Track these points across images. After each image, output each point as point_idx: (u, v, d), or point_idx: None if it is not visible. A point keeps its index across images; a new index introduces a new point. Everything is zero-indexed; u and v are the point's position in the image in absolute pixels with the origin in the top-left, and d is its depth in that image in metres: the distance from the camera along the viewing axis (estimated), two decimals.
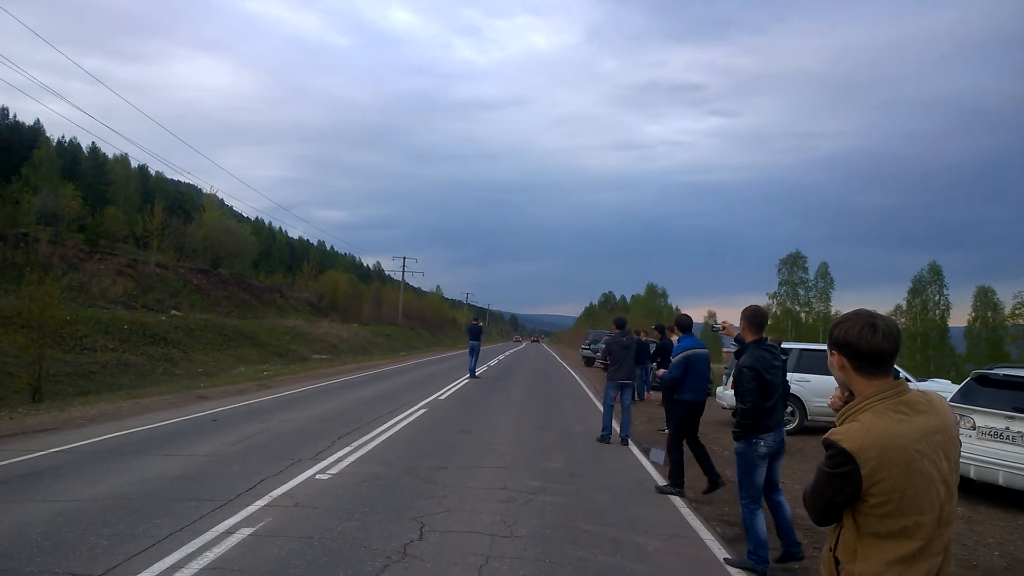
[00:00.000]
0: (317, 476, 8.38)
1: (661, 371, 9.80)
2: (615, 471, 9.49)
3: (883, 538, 2.26)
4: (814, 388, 13.97)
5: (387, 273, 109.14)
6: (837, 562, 2.38)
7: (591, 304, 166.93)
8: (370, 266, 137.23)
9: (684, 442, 8.81)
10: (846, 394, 2.48)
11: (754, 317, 6.24)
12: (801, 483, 9.77)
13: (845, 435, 2.28)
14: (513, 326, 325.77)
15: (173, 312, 34.93)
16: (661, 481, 9.01)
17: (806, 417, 14.31)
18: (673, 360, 8.99)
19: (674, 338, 9.70)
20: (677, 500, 8.17)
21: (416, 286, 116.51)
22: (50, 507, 6.66)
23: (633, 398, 13.57)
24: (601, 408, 17.33)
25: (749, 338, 6.22)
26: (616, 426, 12.46)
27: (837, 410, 2.48)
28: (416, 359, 41.15)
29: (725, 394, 15.17)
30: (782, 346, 13.03)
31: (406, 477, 8.56)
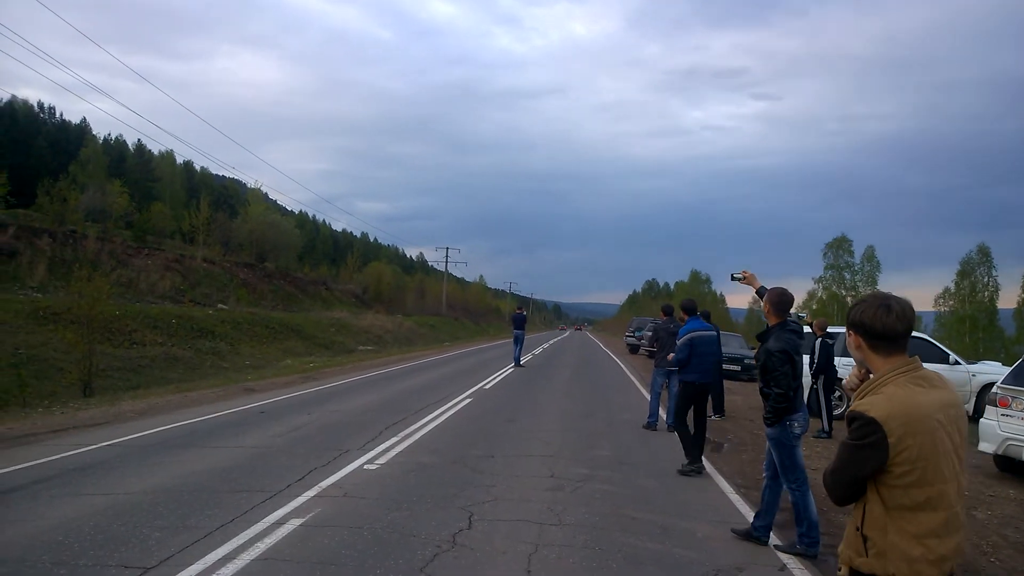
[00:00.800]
0: (365, 466, 8.36)
1: (671, 355, 10.23)
2: (663, 458, 9.32)
3: (912, 510, 2.32)
4: None
5: (430, 264, 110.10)
6: (865, 539, 2.40)
7: (634, 291, 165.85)
8: (413, 257, 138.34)
9: (692, 420, 8.85)
10: (863, 372, 2.58)
11: (779, 301, 6.11)
12: None
13: (871, 406, 2.36)
14: (556, 314, 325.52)
15: (220, 306, 35.46)
16: (711, 468, 8.83)
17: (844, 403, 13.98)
18: (678, 342, 9.20)
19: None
20: (725, 486, 8.02)
21: (459, 276, 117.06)
22: (101, 500, 6.72)
23: None
24: (647, 395, 17.23)
25: (773, 321, 6.09)
26: (663, 413, 12.28)
27: (854, 389, 2.59)
28: (460, 349, 41.23)
29: None
30: (828, 331, 12.70)
31: (454, 466, 8.51)
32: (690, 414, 8.87)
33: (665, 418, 11.93)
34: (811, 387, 13.36)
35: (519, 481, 7.83)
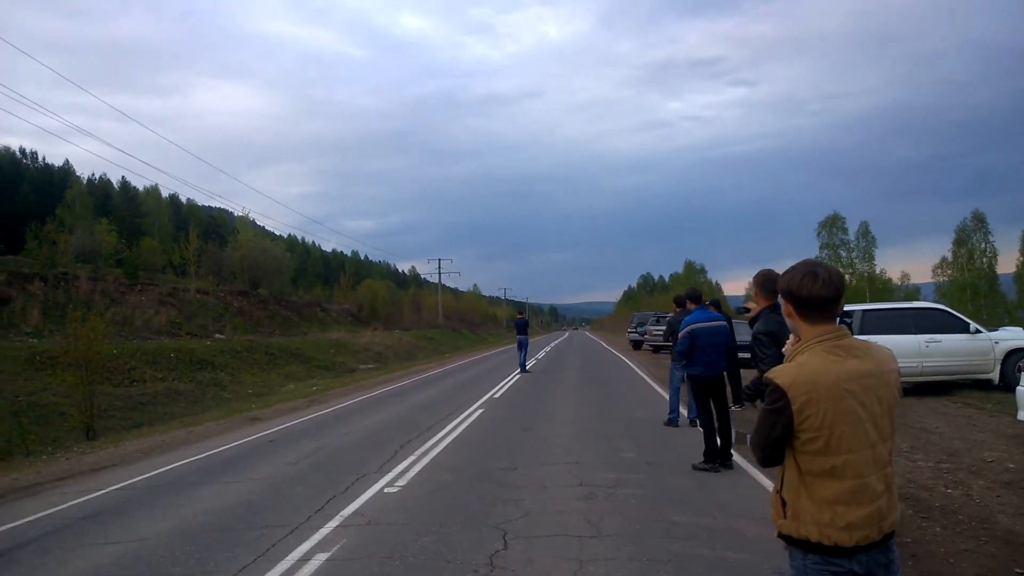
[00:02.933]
0: (385, 490, 8.03)
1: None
2: (690, 455, 8.95)
3: (820, 477, 2.38)
4: None
5: (423, 277, 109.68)
6: (784, 503, 2.48)
7: (629, 287, 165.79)
8: (405, 271, 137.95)
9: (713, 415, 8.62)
10: (796, 340, 2.60)
11: (765, 282, 5.87)
12: None
13: (779, 372, 2.45)
14: (553, 317, 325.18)
15: (217, 336, 35.04)
16: (744, 463, 8.53)
17: None
18: (680, 334, 8.93)
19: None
20: (762, 479, 7.66)
21: (453, 286, 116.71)
22: (115, 550, 6.39)
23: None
24: (660, 391, 16.96)
25: (762, 303, 5.87)
26: (683, 409, 11.99)
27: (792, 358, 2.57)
28: (462, 359, 40.87)
29: None
30: (844, 308, 12.43)
31: (477, 482, 8.19)
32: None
33: (687, 413, 11.63)
34: None
35: (548, 492, 7.51)
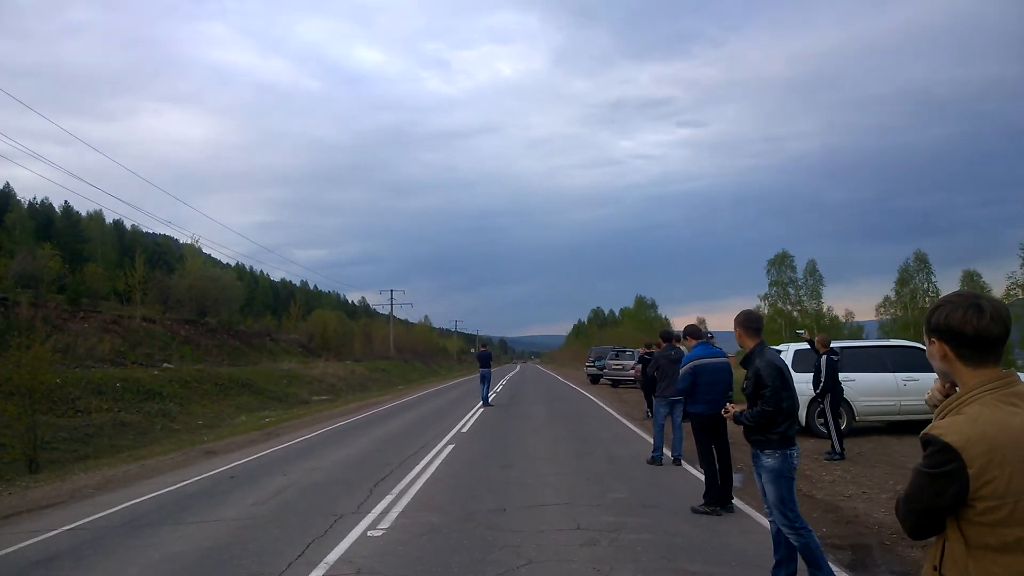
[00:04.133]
0: (369, 533, 7.49)
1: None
2: (689, 497, 8.59)
3: (999, 551, 1.95)
4: (860, 387, 13.20)
5: (373, 308, 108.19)
6: None
7: (580, 321, 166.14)
8: (355, 302, 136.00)
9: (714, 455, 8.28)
10: (947, 386, 2.21)
11: (748, 321, 5.71)
12: (868, 489, 9.03)
13: (948, 429, 2.02)
14: (503, 349, 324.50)
15: (165, 365, 33.77)
16: (745, 507, 8.19)
17: (854, 418, 13.56)
18: (681, 370, 8.57)
19: (684, 346, 9.19)
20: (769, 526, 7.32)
21: (404, 318, 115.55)
22: None
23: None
24: (631, 427, 16.65)
25: (749, 344, 5.68)
26: (666, 448, 11.65)
27: (935, 406, 2.22)
28: (417, 392, 40.12)
29: None
30: (832, 346, 12.28)
31: (467, 525, 7.69)
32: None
33: (670, 453, 11.30)
34: (815, 407, 12.94)
35: (546, 537, 7.06)
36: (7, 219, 58.72)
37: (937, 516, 2.05)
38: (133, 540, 7.73)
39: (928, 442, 2.05)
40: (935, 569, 2.11)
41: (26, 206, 68.17)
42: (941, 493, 2.00)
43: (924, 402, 2.35)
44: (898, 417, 13.47)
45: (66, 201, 75.88)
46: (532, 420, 19.35)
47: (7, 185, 70.93)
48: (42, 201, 74.85)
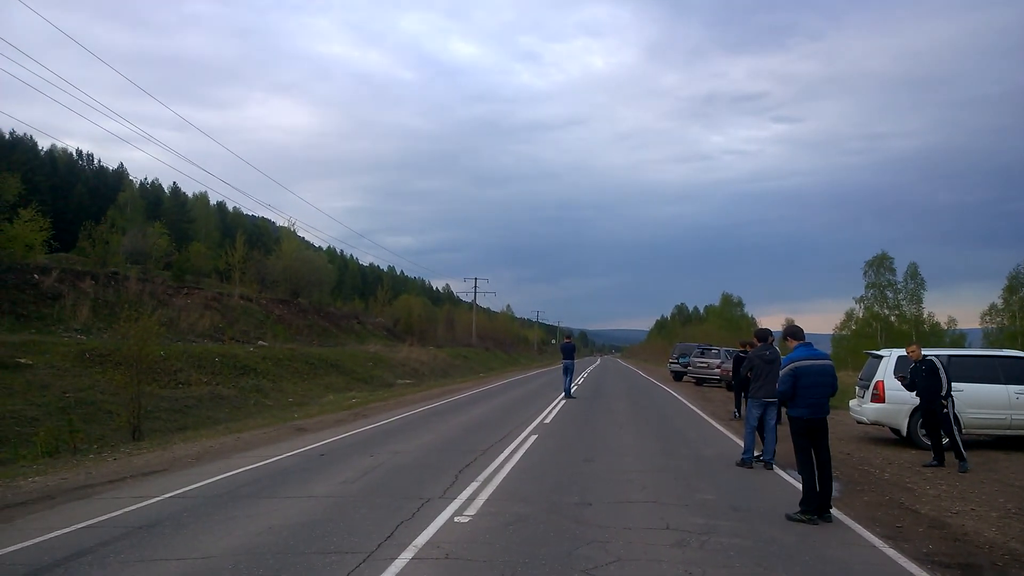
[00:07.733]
0: (456, 519, 7.54)
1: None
2: (781, 503, 8.34)
3: None
4: (968, 398, 12.48)
5: (457, 295, 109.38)
6: None
7: (663, 316, 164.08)
8: (439, 289, 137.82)
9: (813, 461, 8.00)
10: None
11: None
12: (977, 506, 8.56)
13: None
14: (583, 342, 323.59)
15: (260, 343, 34.96)
16: (844, 517, 7.89)
17: (960, 430, 12.88)
18: (781, 372, 8.35)
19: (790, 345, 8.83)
20: (874, 538, 7.02)
21: (486, 306, 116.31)
22: (177, 567, 5.98)
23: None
24: (719, 427, 16.31)
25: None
26: (756, 450, 11.34)
27: None
28: (498, 380, 40.34)
29: (864, 408, 13.81)
30: (924, 354, 11.73)
31: (552, 517, 7.65)
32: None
33: (762, 455, 11.01)
34: (916, 417, 12.44)
35: (634, 535, 6.95)
36: (120, 198, 61.78)
37: None
38: (232, 511, 8.01)
39: None
40: None
41: (137, 186, 71.51)
42: None
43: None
44: (1008, 432, 12.76)
45: (175, 182, 79.55)
46: (615, 414, 19.19)
47: (121, 165, 74.80)
48: (152, 182, 78.64)
